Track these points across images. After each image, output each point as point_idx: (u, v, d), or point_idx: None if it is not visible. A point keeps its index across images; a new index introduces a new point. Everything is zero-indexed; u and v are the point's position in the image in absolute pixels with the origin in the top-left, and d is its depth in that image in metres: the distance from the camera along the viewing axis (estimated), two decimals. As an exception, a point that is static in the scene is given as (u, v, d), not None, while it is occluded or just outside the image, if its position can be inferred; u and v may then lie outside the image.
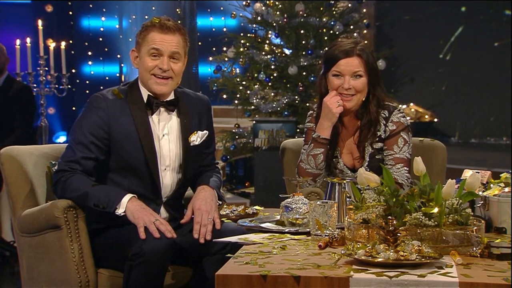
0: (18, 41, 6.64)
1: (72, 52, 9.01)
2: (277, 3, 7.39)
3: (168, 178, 3.24)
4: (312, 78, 7.19)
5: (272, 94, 7.22)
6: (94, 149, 3.13)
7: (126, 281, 2.99)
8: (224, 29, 8.45)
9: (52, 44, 6.86)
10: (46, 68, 6.67)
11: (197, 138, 3.28)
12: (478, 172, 2.98)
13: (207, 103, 3.39)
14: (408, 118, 3.55)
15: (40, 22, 6.60)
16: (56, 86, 6.71)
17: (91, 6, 9.73)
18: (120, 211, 3.04)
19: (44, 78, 6.64)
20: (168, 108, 3.22)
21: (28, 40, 6.60)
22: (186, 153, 3.26)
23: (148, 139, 3.16)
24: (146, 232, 2.99)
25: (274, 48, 7.42)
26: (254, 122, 6.91)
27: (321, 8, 7.38)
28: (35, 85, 6.66)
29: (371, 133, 3.41)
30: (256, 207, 3.52)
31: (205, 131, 3.31)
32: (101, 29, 9.78)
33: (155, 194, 3.21)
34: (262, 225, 3.09)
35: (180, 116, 3.26)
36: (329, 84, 3.42)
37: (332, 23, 7.35)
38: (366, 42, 3.40)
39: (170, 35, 3.16)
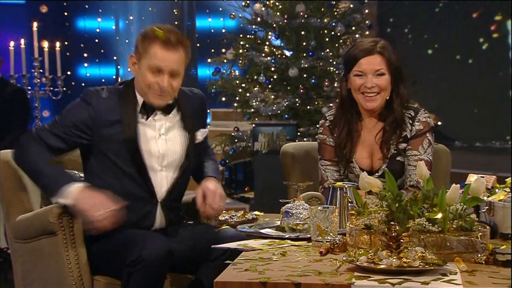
0: (12, 43, 6.65)
1: (68, 53, 9.01)
2: (277, 3, 7.40)
3: (164, 178, 3.22)
4: (313, 80, 7.21)
5: (272, 96, 7.23)
6: (68, 139, 3.14)
7: None
8: (223, 30, 8.46)
9: (47, 45, 6.85)
10: (41, 70, 6.68)
11: (201, 135, 3.30)
12: (483, 177, 2.98)
13: (203, 99, 3.40)
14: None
15: (35, 23, 6.60)
16: (51, 88, 6.73)
17: (87, 6, 9.74)
18: (60, 200, 3.03)
19: (38, 80, 6.66)
20: (164, 111, 3.22)
21: (22, 41, 6.61)
22: (187, 151, 3.24)
23: (133, 141, 3.14)
24: (144, 238, 2.99)
25: (274, 49, 7.44)
26: (253, 125, 6.92)
27: (322, 9, 7.39)
28: (29, 88, 6.67)
29: (397, 133, 3.41)
30: (256, 212, 3.52)
31: (206, 129, 3.33)
32: (97, 30, 9.79)
33: (149, 194, 3.20)
34: (262, 231, 3.09)
35: (179, 115, 3.26)
36: (351, 85, 3.41)
37: (333, 24, 7.36)
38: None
39: (173, 52, 3.13)
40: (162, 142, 3.21)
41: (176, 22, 9.28)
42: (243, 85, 7.44)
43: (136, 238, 3.03)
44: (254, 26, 7.55)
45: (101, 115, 3.14)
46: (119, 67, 9.65)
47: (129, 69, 3.31)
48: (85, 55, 9.65)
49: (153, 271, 2.95)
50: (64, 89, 6.90)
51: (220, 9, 9.41)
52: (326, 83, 7.21)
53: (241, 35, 7.62)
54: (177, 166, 3.24)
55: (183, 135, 3.25)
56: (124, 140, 3.14)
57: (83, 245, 3.18)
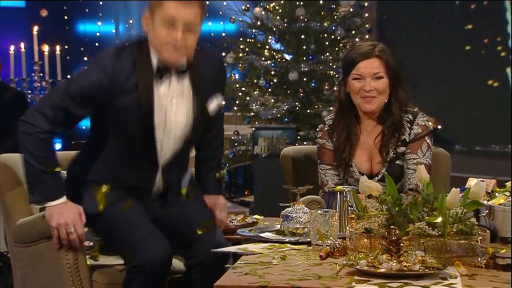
0: (12, 47, 6.65)
1: (68, 57, 9.00)
2: (277, 7, 7.40)
3: (169, 146, 3.14)
4: (313, 84, 7.21)
5: (272, 100, 7.23)
6: (83, 111, 3.08)
7: None
8: (223, 34, 8.44)
9: (47, 49, 6.85)
10: (41, 74, 6.68)
11: (214, 107, 3.21)
12: (483, 181, 2.98)
13: (221, 64, 3.33)
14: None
15: (35, 27, 6.61)
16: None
17: (87, 10, 9.74)
18: (38, 206, 3.11)
19: (39, 84, 6.65)
20: (179, 76, 3.10)
21: (22, 45, 6.61)
22: (196, 121, 3.15)
23: (148, 106, 3.05)
24: (144, 242, 3.01)
25: (274, 53, 7.44)
26: (253, 129, 6.91)
27: (322, 13, 7.39)
28: (29, 92, 6.67)
29: (396, 137, 3.41)
30: (256, 216, 3.53)
31: (220, 99, 3.23)
32: (98, 34, 9.79)
33: (152, 159, 3.13)
34: (262, 234, 3.09)
35: (192, 83, 3.13)
36: (350, 88, 3.41)
37: (333, 27, 7.36)
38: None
39: (188, 5, 3.00)
40: (172, 111, 3.11)
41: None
42: (243, 88, 7.44)
43: (139, 239, 3.03)
44: (254, 30, 7.55)
45: (116, 80, 3.02)
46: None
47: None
48: (85, 58, 9.63)
49: (153, 276, 2.98)
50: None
51: (220, 12, 9.39)
52: (326, 87, 7.21)
53: (241, 39, 7.62)
54: (183, 135, 3.15)
55: (193, 105, 3.14)
56: (138, 105, 3.04)
57: (82, 248, 3.18)
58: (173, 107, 3.10)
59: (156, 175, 3.17)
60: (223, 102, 3.29)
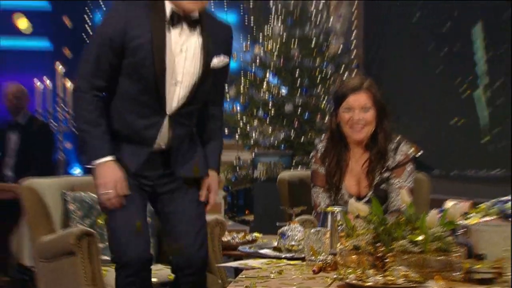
0: (38, 83, 6.66)
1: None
2: (274, 47, 7.42)
3: (176, 93, 2.97)
4: (306, 115, 7.21)
5: (270, 129, 7.23)
6: (112, 56, 2.92)
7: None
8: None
9: (69, 85, 6.87)
10: (64, 107, 6.68)
11: (218, 62, 3.04)
12: (459, 203, 2.96)
13: (230, 31, 3.13)
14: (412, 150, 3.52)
15: (59, 66, 6.62)
16: (73, 123, 6.71)
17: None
18: (88, 166, 2.97)
19: (62, 116, 6.65)
20: (190, 25, 2.96)
21: (47, 81, 6.62)
22: (202, 73, 2.99)
23: (160, 52, 2.90)
24: (128, 240, 2.92)
25: (272, 87, 7.45)
26: (253, 155, 6.89)
27: (314, 53, 7.42)
28: (54, 122, 6.67)
29: (381, 163, 3.39)
30: (255, 234, 3.51)
31: (225, 58, 3.06)
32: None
33: (160, 105, 2.97)
34: (261, 251, 3.08)
35: (202, 36, 2.99)
36: (341, 119, 3.41)
37: (324, 65, 7.38)
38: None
39: None
40: (181, 59, 2.96)
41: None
42: (244, 119, 7.44)
43: (122, 237, 2.93)
44: (253, 67, 7.56)
45: (132, 24, 2.90)
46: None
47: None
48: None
49: (134, 275, 2.90)
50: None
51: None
52: (318, 118, 7.22)
53: (242, 75, 7.64)
54: (190, 84, 2.99)
55: (201, 57, 2.99)
56: (151, 49, 2.89)
57: (99, 262, 3.16)
58: (182, 53, 2.95)
59: (163, 123, 2.98)
60: (226, 61, 3.09)
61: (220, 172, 3.28)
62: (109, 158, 2.91)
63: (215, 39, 3.01)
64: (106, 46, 2.89)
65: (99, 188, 2.92)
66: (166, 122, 2.98)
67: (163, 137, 3.00)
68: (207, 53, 2.98)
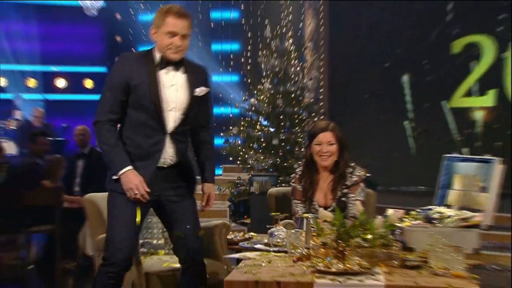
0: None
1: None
2: (265, 99, 7.47)
3: (172, 116, 2.88)
4: (288, 147, 7.24)
5: (262, 157, 7.24)
6: (120, 95, 2.85)
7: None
8: (230, 115, 8.50)
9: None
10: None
11: (200, 92, 2.96)
12: (397, 211, 2.98)
13: (205, 70, 3.03)
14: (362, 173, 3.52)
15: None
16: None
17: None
18: (114, 176, 2.81)
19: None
20: (175, 67, 2.91)
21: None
22: (189, 100, 2.92)
23: (155, 86, 2.84)
24: (120, 244, 2.77)
25: (263, 127, 7.48)
26: (250, 175, 6.90)
27: (294, 102, 7.47)
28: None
29: (341, 183, 3.40)
30: (251, 233, 3.50)
31: (205, 88, 2.98)
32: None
33: (161, 126, 2.87)
34: (256, 246, 3.07)
35: (186, 73, 2.93)
36: (313, 150, 3.39)
37: (301, 111, 7.42)
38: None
39: (183, 20, 2.85)
40: (172, 91, 2.89)
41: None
42: (243, 150, 7.46)
43: (116, 242, 2.79)
44: (250, 112, 7.60)
45: (132, 70, 2.86)
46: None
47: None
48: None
49: (115, 272, 2.78)
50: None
51: (229, 101, 9.47)
52: (297, 149, 7.24)
53: (241, 118, 7.67)
54: (182, 108, 2.91)
55: (187, 87, 2.92)
56: (148, 85, 2.84)
57: (138, 253, 3.10)
58: (174, 87, 2.89)
59: (165, 140, 2.88)
60: (208, 91, 3.00)
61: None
62: (129, 167, 2.81)
63: (195, 76, 2.95)
64: (115, 88, 2.85)
65: (128, 191, 2.80)
66: (167, 139, 2.89)
67: (167, 152, 2.90)
68: (191, 84, 2.92)
